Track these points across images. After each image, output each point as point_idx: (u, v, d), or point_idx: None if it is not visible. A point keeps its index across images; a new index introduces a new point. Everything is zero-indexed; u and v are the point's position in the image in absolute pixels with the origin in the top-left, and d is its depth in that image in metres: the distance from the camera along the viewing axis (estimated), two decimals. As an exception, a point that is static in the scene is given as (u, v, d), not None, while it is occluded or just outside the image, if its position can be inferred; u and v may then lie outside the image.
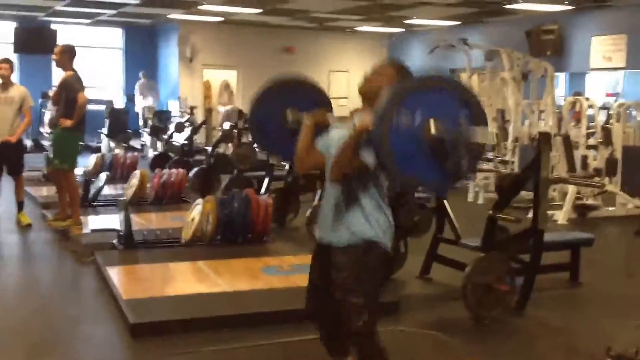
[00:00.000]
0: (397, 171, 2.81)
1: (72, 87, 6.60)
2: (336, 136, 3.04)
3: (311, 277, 3.24)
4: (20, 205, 7.39)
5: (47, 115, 13.36)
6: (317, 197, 7.26)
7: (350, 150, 2.84)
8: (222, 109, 15.21)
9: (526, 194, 7.55)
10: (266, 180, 8.12)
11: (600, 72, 14.58)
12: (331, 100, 3.78)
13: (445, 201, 5.59)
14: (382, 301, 3.12)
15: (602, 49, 13.10)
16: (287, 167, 7.84)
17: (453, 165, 2.78)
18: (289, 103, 3.51)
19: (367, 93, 2.98)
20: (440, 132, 2.73)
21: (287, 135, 3.44)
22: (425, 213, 5.83)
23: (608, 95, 16.67)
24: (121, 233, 5.92)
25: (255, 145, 3.75)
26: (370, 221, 2.96)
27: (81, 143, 7.16)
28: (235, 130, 9.74)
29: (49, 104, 13.73)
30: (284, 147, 3.51)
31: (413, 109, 2.73)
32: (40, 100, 15.57)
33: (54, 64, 6.96)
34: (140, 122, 16.06)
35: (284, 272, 5.37)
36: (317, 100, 3.56)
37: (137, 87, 16.85)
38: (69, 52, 6.76)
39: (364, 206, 2.96)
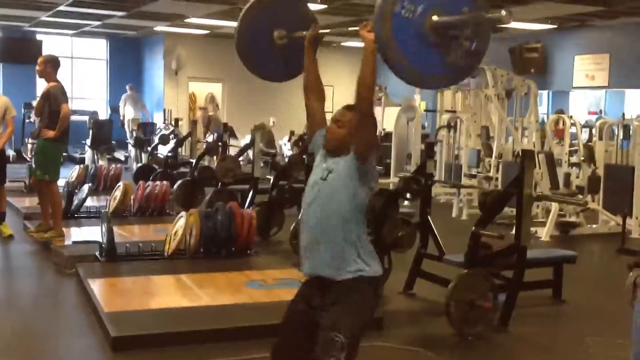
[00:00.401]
0: (407, 66, 2.68)
1: (55, 98, 6.56)
2: (317, 175, 2.94)
3: (295, 301, 3.04)
4: (1, 216, 7.31)
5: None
6: (301, 211, 7.25)
7: (371, 65, 2.77)
8: (201, 115, 15.17)
9: (510, 210, 7.60)
10: (250, 194, 8.10)
11: (583, 90, 14.73)
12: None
13: (429, 217, 5.61)
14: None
15: (584, 68, 13.25)
16: (271, 181, 7.84)
17: (458, 54, 2.69)
18: (275, 23, 3.43)
19: (333, 148, 2.92)
20: (442, 20, 2.62)
21: (276, 55, 3.39)
22: (409, 229, 5.83)
23: (590, 113, 16.84)
24: (103, 245, 5.87)
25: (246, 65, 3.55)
26: (356, 256, 2.84)
27: (64, 154, 7.11)
28: (220, 143, 9.73)
29: (32, 115, 13.68)
30: (274, 67, 3.46)
31: (415, 2, 2.63)
32: (23, 111, 15.49)
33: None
34: (128, 134, 16.01)
35: (267, 286, 5.35)
36: (302, 15, 3.48)
37: (122, 99, 16.79)
38: (52, 63, 6.72)
39: (347, 240, 2.84)
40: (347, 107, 2.97)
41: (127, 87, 16.88)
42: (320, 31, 3.19)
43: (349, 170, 2.85)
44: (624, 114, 11.16)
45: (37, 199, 7.16)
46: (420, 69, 2.75)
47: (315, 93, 3.16)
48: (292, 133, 15.42)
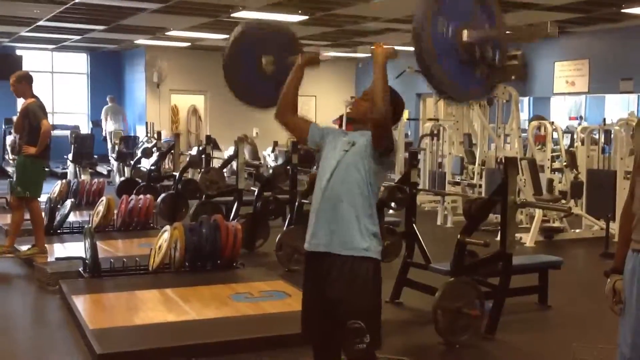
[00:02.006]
0: (449, 83, 2.75)
1: (35, 115, 6.51)
2: (331, 151, 3.01)
3: (304, 292, 3.10)
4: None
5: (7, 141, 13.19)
6: (286, 223, 7.24)
7: (382, 79, 2.83)
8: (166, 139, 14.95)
9: (495, 217, 7.63)
10: (235, 206, 8.07)
11: (563, 96, 14.86)
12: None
13: (414, 226, 5.61)
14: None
15: (564, 74, 13.36)
16: (256, 192, 7.81)
17: (486, 68, 2.75)
18: (261, 50, 3.41)
19: (359, 118, 3.02)
20: (472, 37, 2.69)
21: (263, 82, 3.38)
22: (394, 238, 5.84)
23: (571, 119, 16.99)
24: (87, 261, 5.82)
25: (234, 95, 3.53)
26: (363, 233, 2.89)
27: (46, 169, 7.05)
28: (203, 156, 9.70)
29: (12, 131, 13.56)
30: (261, 94, 3.45)
31: (449, 17, 2.69)
32: (4, 127, 15.38)
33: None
34: (109, 147, 15.93)
35: (253, 299, 5.32)
36: (289, 44, 3.47)
37: (104, 111, 16.71)
38: (26, 80, 6.66)
39: (358, 216, 2.89)
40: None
41: (108, 99, 16.80)
42: (321, 57, 3.18)
43: (368, 148, 2.92)
44: (604, 119, 11.26)
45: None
46: (458, 83, 2.79)
47: (293, 110, 3.18)
48: (275, 144, 15.40)
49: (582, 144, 9.46)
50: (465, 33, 2.71)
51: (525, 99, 15.03)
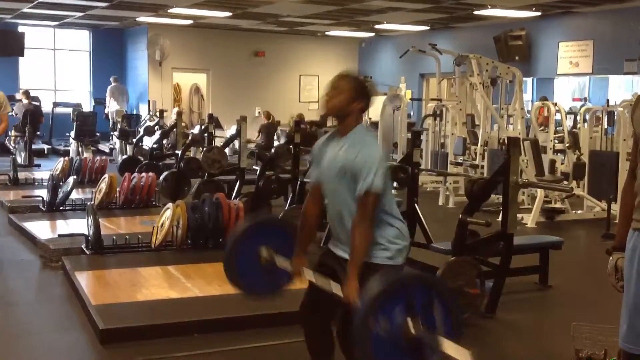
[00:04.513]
0: None
1: None
2: (325, 164, 2.98)
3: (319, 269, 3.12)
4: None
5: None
6: (288, 202, 7.25)
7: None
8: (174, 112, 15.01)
9: (496, 197, 7.64)
10: (237, 184, 8.09)
11: (567, 77, 14.79)
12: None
13: (416, 205, 5.62)
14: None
15: (568, 55, 13.30)
16: (258, 171, 7.83)
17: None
18: (262, 241, 3.37)
19: (334, 114, 2.94)
20: (418, 333, 2.53)
21: (264, 274, 3.35)
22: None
23: (575, 100, 16.93)
24: (90, 238, 5.84)
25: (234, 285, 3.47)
26: (378, 242, 2.89)
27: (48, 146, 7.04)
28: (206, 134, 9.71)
29: (15, 108, 13.58)
30: (262, 286, 3.38)
31: (392, 308, 2.52)
32: (6, 103, 15.33)
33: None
34: (111, 126, 15.94)
35: (255, 277, 5.34)
36: (288, 237, 3.44)
37: (108, 90, 16.70)
38: None
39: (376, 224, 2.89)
40: (341, 77, 2.95)
41: (112, 79, 16.78)
42: (303, 275, 3.09)
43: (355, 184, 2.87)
44: (608, 100, 11.21)
45: (22, 192, 7.08)
46: None
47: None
48: (278, 123, 15.39)
49: (585, 124, 9.44)
50: (411, 327, 2.51)
51: (529, 80, 14.97)
